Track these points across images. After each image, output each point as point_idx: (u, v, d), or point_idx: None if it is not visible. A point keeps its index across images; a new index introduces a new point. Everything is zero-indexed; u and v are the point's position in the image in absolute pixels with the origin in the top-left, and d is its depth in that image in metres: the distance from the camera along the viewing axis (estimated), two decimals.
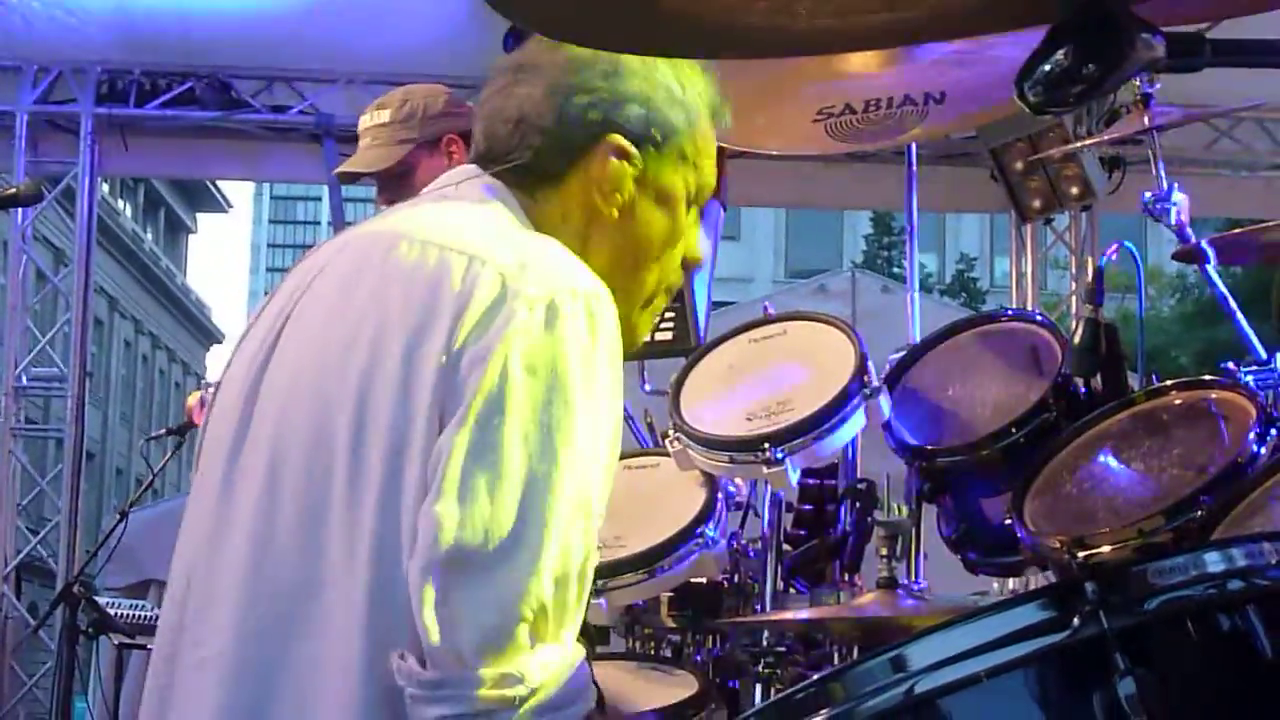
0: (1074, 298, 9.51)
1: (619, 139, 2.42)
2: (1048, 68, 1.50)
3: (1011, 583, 4.09)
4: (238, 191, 62.54)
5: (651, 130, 2.45)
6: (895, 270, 36.06)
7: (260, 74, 9.21)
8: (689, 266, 2.62)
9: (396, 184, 4.53)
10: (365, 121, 4.67)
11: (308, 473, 2.16)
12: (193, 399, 5.60)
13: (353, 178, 4.75)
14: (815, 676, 1.80)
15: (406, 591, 2.06)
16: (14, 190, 5.09)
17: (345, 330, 2.21)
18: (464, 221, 2.33)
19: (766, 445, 3.35)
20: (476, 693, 2.01)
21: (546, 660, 2.05)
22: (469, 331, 2.11)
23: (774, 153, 4.19)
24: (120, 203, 44.70)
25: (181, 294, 52.17)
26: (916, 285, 4.43)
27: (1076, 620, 1.69)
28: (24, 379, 9.54)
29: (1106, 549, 3.09)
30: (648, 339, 3.94)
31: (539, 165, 2.41)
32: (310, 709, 2.09)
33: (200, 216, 58.80)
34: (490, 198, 2.39)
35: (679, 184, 2.50)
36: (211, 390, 2.45)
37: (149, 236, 49.72)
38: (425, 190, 2.51)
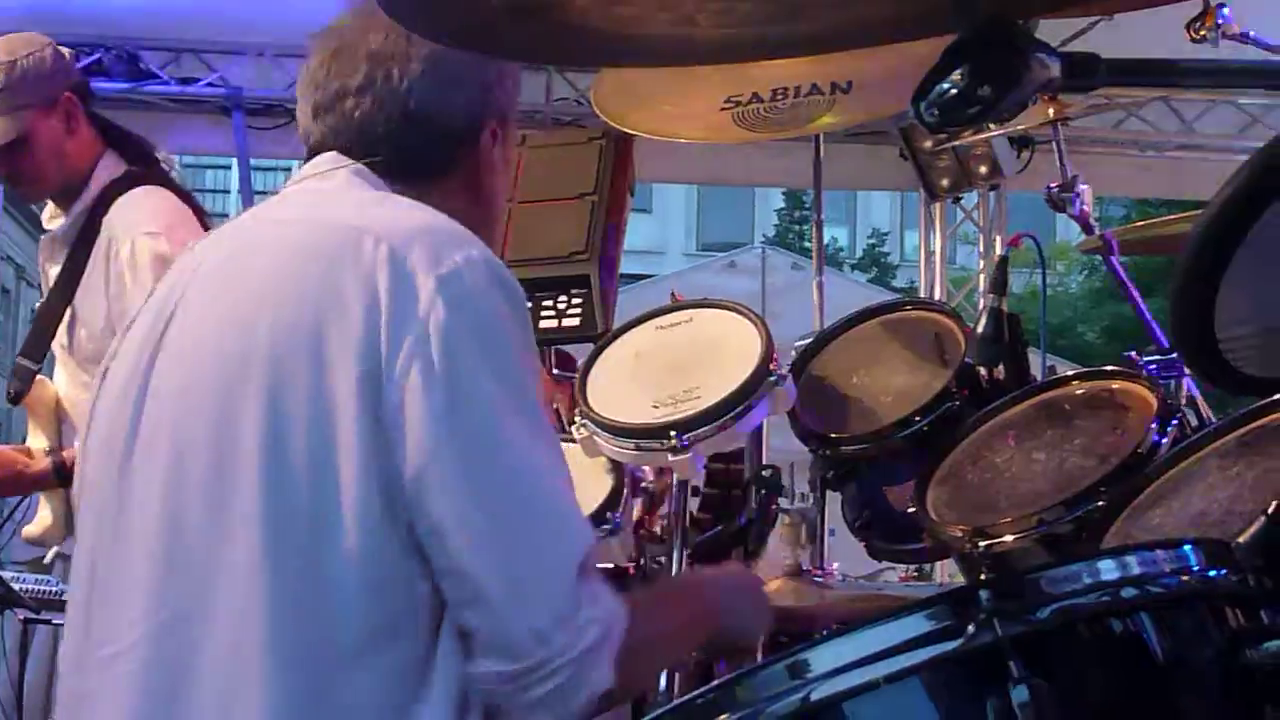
0: (982, 275, 9.53)
1: (494, 123, 2.51)
2: (944, 86, 1.51)
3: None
4: None
5: (506, 111, 2.54)
6: (806, 244, 36.00)
7: (169, 46, 9.10)
8: None
9: (20, 153, 4.22)
10: None
11: (214, 466, 2.15)
12: None
13: None
14: (715, 682, 1.82)
15: (336, 573, 2.07)
16: None
17: (240, 319, 2.21)
18: (344, 202, 2.35)
19: (673, 433, 3.35)
20: (572, 655, 2.08)
21: (595, 591, 2.15)
22: (385, 310, 2.12)
23: (681, 141, 4.20)
24: None
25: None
26: (824, 272, 4.45)
27: (971, 628, 1.71)
28: None
29: (1008, 538, 3.12)
30: (555, 324, 3.97)
31: (423, 155, 2.45)
32: (233, 694, 2.08)
33: None
34: (362, 181, 2.40)
35: (513, 163, 2.68)
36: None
37: None
38: (289, 182, 2.51)
